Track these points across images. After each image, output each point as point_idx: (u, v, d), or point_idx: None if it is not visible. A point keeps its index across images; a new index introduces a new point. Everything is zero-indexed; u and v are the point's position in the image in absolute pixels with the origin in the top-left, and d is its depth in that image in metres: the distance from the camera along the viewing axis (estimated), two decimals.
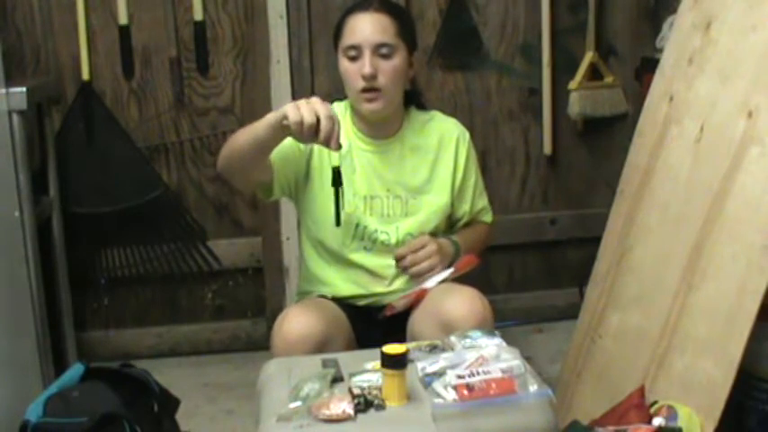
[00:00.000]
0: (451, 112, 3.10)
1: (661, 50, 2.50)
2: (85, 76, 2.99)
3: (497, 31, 3.19)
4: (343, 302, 2.11)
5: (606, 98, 3.22)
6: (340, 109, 2.14)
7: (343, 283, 2.12)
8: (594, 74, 3.21)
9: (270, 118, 1.84)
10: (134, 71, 3.05)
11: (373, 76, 2.01)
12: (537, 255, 3.37)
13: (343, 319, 2.06)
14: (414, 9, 3.11)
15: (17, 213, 2.40)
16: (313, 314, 1.96)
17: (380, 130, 2.12)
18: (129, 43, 3.02)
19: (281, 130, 1.82)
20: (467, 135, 2.21)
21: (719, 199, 1.98)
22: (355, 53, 2.03)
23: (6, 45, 2.79)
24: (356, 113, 2.11)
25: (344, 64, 2.05)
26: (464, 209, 2.22)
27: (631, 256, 2.29)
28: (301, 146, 2.05)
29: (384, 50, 2.02)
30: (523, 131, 3.27)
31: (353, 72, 2.02)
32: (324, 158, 2.08)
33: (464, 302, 1.95)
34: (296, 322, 1.93)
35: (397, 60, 2.04)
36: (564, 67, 3.20)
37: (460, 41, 3.16)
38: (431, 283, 2.06)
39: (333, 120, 1.78)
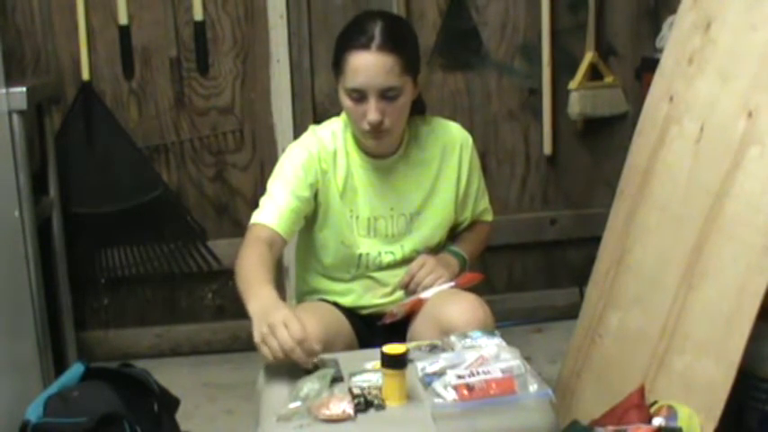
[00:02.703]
0: (451, 112, 3.13)
1: (661, 50, 2.50)
2: (85, 76, 2.99)
3: (497, 31, 3.19)
4: (345, 309, 2.10)
5: (606, 98, 3.22)
6: (339, 125, 2.07)
7: (343, 298, 2.10)
8: (594, 74, 3.21)
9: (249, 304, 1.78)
10: (134, 71, 3.05)
11: (380, 122, 1.92)
12: (537, 255, 3.37)
13: (343, 323, 2.05)
14: (414, 9, 3.11)
15: (17, 213, 2.40)
16: (313, 318, 1.93)
17: (384, 149, 2.05)
18: (129, 43, 3.02)
19: None
20: (469, 141, 2.14)
21: (719, 199, 1.98)
22: (359, 96, 1.92)
23: (6, 45, 2.79)
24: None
25: (347, 102, 1.95)
26: (466, 215, 2.18)
27: (631, 256, 2.29)
28: (306, 193, 1.99)
29: (390, 93, 1.91)
30: (523, 131, 3.27)
31: (358, 113, 1.93)
32: (329, 191, 2.03)
33: (466, 309, 1.92)
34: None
35: (404, 98, 1.94)
36: (564, 67, 3.20)
37: (460, 41, 3.16)
38: (428, 293, 2.03)
39: (298, 346, 1.66)
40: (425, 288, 2.04)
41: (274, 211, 1.98)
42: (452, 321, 1.90)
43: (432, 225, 2.10)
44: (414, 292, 2.06)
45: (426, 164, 2.09)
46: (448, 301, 1.98)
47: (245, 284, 1.84)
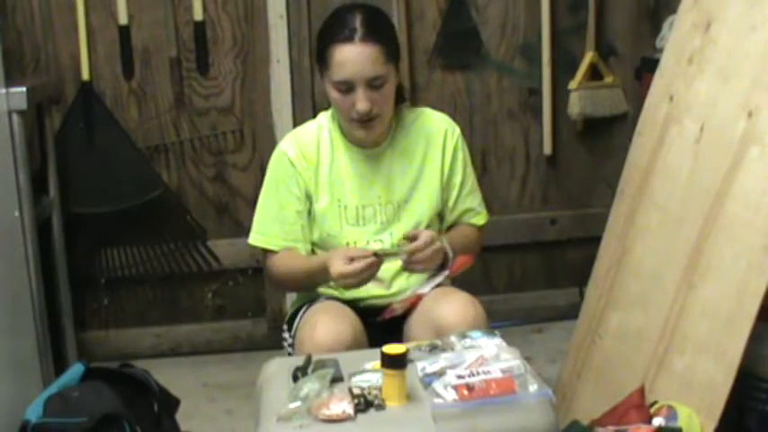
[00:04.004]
0: (451, 112, 3.12)
1: (661, 50, 2.50)
2: (85, 76, 2.99)
3: (497, 31, 3.19)
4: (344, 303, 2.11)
5: (606, 98, 3.22)
6: (326, 118, 2.11)
7: (340, 291, 2.09)
8: (594, 74, 3.21)
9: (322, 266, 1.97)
10: (134, 71, 3.05)
11: (369, 111, 1.96)
12: (537, 255, 3.37)
13: (361, 325, 2.04)
14: (414, 9, 3.11)
15: (17, 213, 2.40)
16: (342, 321, 1.96)
17: (373, 138, 2.07)
18: (129, 43, 3.02)
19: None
20: (456, 130, 2.14)
21: (719, 199, 1.98)
22: (347, 88, 1.96)
23: (6, 45, 2.79)
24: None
25: (334, 94, 1.99)
26: (447, 206, 2.16)
27: (631, 256, 2.29)
28: (298, 208, 2.09)
29: (377, 82, 1.95)
30: (523, 131, 3.27)
31: (346, 104, 1.97)
32: (316, 185, 2.08)
33: (458, 309, 1.94)
34: (328, 329, 1.92)
35: (390, 86, 1.99)
36: (564, 67, 3.20)
37: (460, 41, 3.16)
38: (426, 288, 2.04)
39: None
40: (420, 269, 2.01)
41: (277, 231, 2.09)
42: (446, 321, 1.91)
43: (419, 212, 2.10)
44: (416, 263, 2.00)
45: (411, 152, 2.11)
46: (441, 301, 1.98)
47: (306, 276, 2.06)
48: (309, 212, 2.09)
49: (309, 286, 2.11)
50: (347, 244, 2.06)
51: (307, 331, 1.96)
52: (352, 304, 2.10)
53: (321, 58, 2.02)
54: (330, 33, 2.00)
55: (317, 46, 2.04)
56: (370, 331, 2.04)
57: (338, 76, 1.96)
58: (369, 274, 1.91)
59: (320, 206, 2.08)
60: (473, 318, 1.92)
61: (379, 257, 1.94)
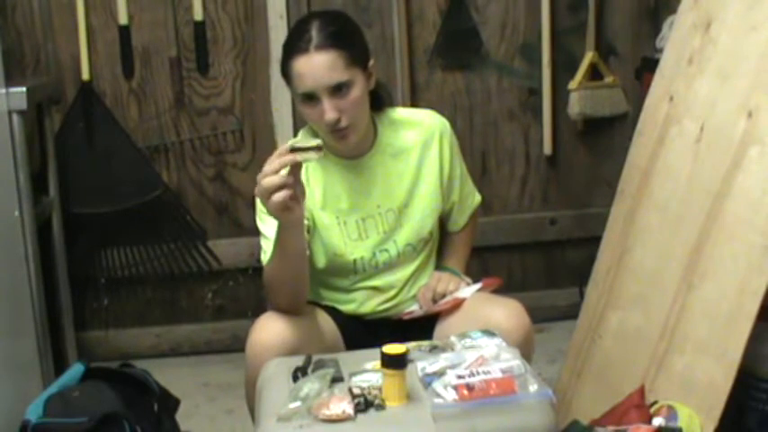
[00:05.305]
0: (451, 112, 3.14)
1: (661, 50, 2.50)
2: (85, 76, 2.99)
3: (497, 31, 3.19)
4: (346, 316, 2.08)
5: (606, 98, 3.22)
6: (311, 133, 2.04)
7: (344, 306, 2.08)
8: (594, 74, 3.21)
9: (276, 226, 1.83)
10: (134, 71, 3.05)
11: (337, 120, 1.90)
12: (537, 255, 3.37)
13: (325, 324, 2.01)
14: (414, 9, 3.11)
15: (17, 213, 2.39)
16: (285, 321, 1.89)
17: (356, 148, 2.02)
18: (129, 43, 3.03)
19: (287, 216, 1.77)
20: (447, 127, 2.10)
21: (719, 199, 1.98)
22: (311, 99, 1.90)
23: (6, 45, 2.79)
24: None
25: (303, 109, 1.95)
26: (453, 198, 2.15)
27: (631, 256, 2.29)
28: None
29: (341, 89, 1.89)
30: (523, 131, 3.27)
31: (316, 116, 1.92)
32: (311, 204, 1.99)
33: (513, 314, 1.92)
34: (266, 330, 1.87)
35: (356, 90, 1.91)
36: (564, 67, 3.20)
37: (460, 41, 3.16)
38: (466, 293, 2.03)
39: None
40: (452, 293, 2.04)
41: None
42: (500, 324, 1.87)
43: (420, 215, 2.06)
44: (436, 302, 2.04)
45: (405, 154, 2.05)
46: (492, 304, 1.97)
47: (279, 243, 1.85)
48: (308, 231, 1.99)
49: (289, 261, 1.88)
50: (354, 261, 2.02)
51: (249, 332, 1.91)
52: (358, 318, 2.08)
53: (285, 74, 1.97)
54: (289, 46, 1.95)
55: (281, 61, 1.98)
56: (377, 340, 1.99)
57: (301, 90, 1.91)
58: (280, 164, 1.72)
59: (321, 226, 2.01)
60: (528, 326, 1.92)
61: (294, 151, 1.77)
